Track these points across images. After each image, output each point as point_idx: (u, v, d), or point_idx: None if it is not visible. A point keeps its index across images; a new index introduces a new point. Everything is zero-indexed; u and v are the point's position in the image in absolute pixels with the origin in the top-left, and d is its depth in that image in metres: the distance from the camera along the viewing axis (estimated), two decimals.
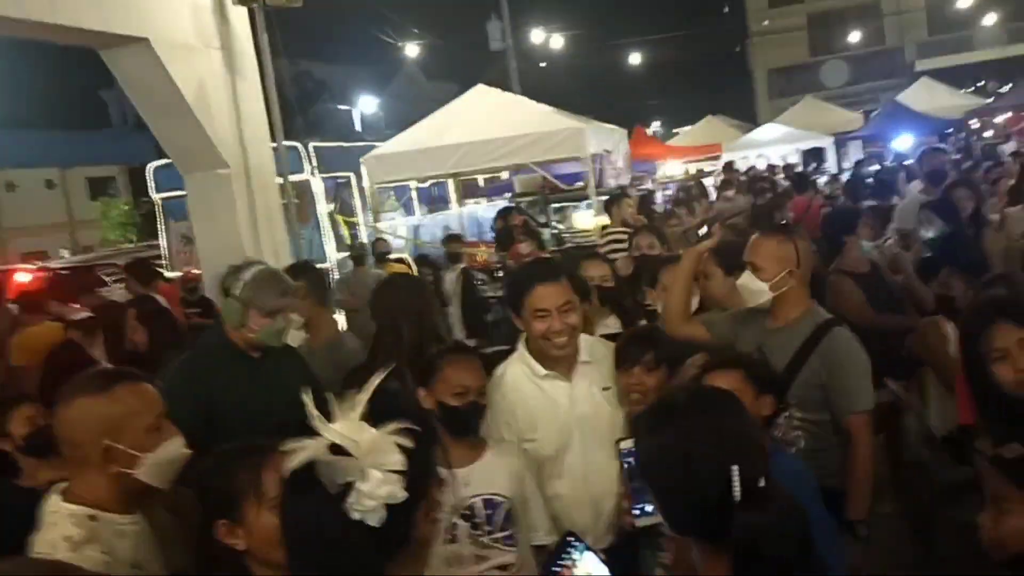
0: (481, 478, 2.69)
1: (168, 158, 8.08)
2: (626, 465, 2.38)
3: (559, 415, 2.93)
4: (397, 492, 1.41)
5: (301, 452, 1.40)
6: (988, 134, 21.99)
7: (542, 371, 2.97)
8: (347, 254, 9.81)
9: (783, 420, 2.73)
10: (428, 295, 3.85)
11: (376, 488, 1.39)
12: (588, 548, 1.87)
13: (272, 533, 1.68)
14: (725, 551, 1.39)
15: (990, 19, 32.23)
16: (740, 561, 1.36)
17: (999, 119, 21.86)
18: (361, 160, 8.91)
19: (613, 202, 8.28)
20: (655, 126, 38.96)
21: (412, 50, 22.36)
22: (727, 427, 1.45)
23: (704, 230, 4.45)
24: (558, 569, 1.84)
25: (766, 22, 35.25)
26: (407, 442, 1.43)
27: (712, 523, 1.38)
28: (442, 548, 2.47)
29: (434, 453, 1.55)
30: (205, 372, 3.42)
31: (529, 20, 25.58)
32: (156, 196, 12.07)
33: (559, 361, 2.96)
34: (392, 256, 9.34)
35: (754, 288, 3.13)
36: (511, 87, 18.71)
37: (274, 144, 7.84)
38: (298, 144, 10.61)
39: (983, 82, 31.33)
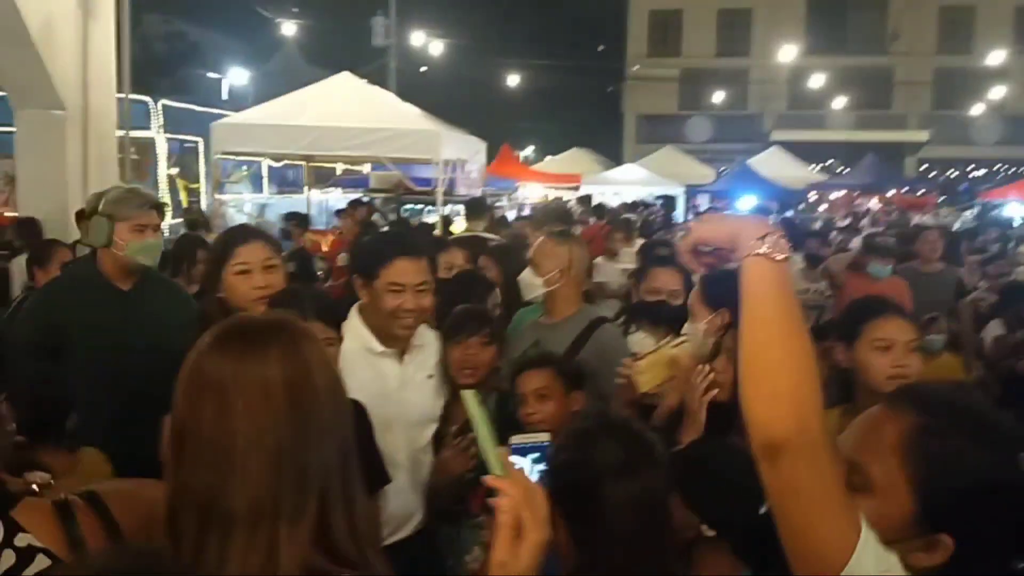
0: None
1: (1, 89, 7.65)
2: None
3: (386, 395, 2.75)
4: None
5: None
6: (823, 208, 23.74)
7: (379, 347, 2.81)
8: (181, 220, 9.53)
9: None
10: None
11: None
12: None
13: None
14: None
15: (840, 102, 34.79)
16: None
17: (834, 196, 23.63)
18: (211, 125, 8.69)
19: (481, 208, 8.25)
20: (529, 150, 39.65)
21: (289, 29, 21.93)
22: None
23: None
24: None
25: (636, 67, 36.64)
26: None
27: None
28: None
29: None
30: (65, 299, 3.33)
31: (416, 22, 25.59)
32: None
33: (396, 340, 2.82)
34: None
35: (531, 282, 3.46)
36: (389, 85, 18.65)
37: (120, 95, 7.55)
38: (147, 99, 10.19)
39: (830, 161, 33.72)
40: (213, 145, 8.58)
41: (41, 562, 1.36)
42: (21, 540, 1.38)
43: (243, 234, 2.92)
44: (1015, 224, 14.88)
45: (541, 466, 1.76)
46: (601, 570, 1.63)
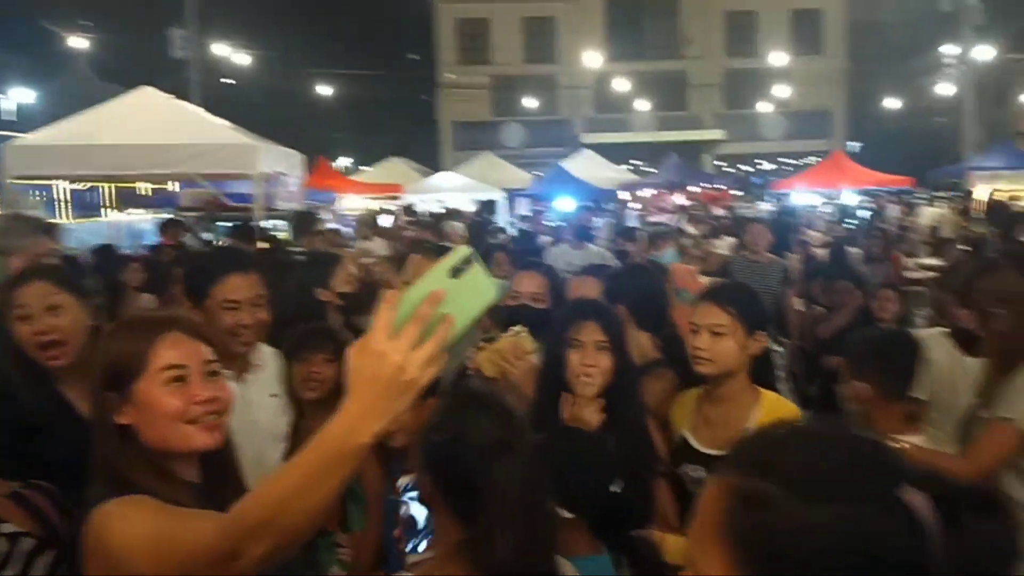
0: None
1: None
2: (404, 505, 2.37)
3: (232, 418, 2.70)
4: None
5: None
6: (635, 206, 24.88)
7: None
8: None
9: None
10: None
11: None
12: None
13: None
14: None
15: (643, 105, 36.63)
16: None
17: (643, 194, 24.84)
18: (0, 148, 8.01)
19: (307, 223, 7.95)
20: (347, 161, 39.07)
21: (80, 43, 20.52)
22: None
23: None
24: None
25: (448, 75, 37.10)
26: None
27: None
28: None
29: None
30: None
31: (217, 33, 24.67)
32: None
33: (234, 359, 2.75)
34: None
35: None
36: (192, 99, 17.86)
37: None
38: None
39: (638, 161, 35.41)
40: (5, 169, 7.91)
41: None
42: None
43: (25, 275, 2.67)
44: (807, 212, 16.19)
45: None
46: (493, 540, 1.65)
